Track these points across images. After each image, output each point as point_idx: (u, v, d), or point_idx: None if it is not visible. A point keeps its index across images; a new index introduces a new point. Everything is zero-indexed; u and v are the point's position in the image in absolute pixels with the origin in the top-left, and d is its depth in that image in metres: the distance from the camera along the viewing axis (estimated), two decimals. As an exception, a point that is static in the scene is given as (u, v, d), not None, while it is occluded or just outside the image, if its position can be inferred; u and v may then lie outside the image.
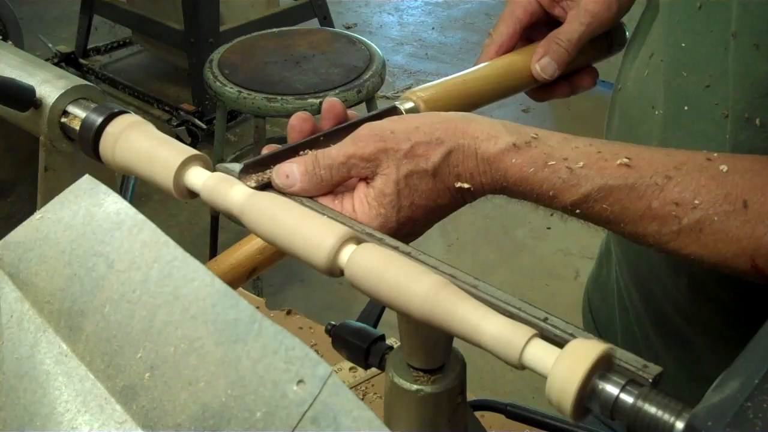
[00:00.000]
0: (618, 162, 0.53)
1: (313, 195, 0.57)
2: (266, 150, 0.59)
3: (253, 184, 0.55)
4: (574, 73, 0.79)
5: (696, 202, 0.51)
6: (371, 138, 0.56)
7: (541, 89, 0.77)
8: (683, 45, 0.64)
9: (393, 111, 0.64)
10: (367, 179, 0.57)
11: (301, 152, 0.58)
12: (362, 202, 0.56)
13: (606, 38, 0.79)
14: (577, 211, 0.54)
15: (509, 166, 0.54)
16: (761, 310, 0.65)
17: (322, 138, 0.60)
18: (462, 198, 0.57)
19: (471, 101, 0.70)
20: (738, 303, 0.68)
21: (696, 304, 0.71)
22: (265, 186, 0.57)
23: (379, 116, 0.61)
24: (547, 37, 0.74)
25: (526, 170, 0.54)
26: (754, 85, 0.57)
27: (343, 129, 0.61)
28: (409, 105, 0.65)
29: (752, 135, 0.59)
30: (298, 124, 0.60)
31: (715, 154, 0.54)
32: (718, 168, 0.52)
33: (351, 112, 0.63)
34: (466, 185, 0.56)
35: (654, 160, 0.54)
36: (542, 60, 0.73)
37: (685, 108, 0.65)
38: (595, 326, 0.95)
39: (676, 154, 0.54)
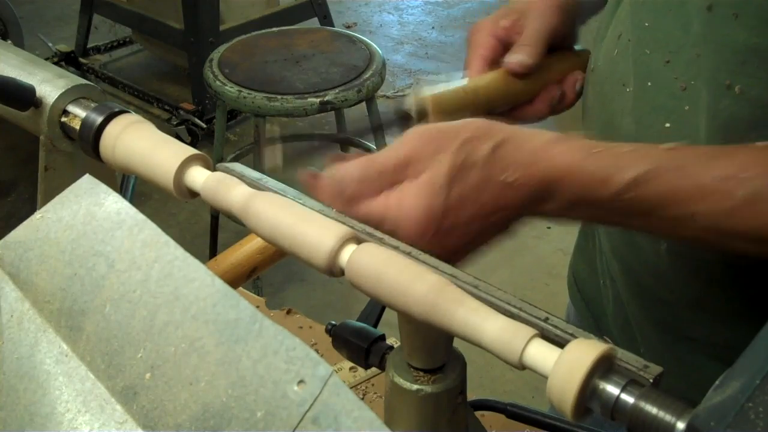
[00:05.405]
0: (663, 147, 0.55)
1: (364, 200, 0.56)
2: None
3: None
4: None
5: (746, 175, 0.52)
6: (420, 139, 0.56)
7: (516, 109, 0.77)
8: (647, 24, 0.68)
9: (406, 117, 0.65)
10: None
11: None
12: (410, 194, 0.55)
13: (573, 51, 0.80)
14: (626, 196, 0.54)
15: (556, 154, 0.55)
16: (740, 268, 0.68)
17: None
18: (504, 199, 0.56)
19: (473, 102, 0.71)
20: (719, 264, 0.69)
21: (676, 269, 0.72)
22: None
23: (390, 124, 0.62)
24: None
25: (575, 155, 0.55)
26: (734, 53, 0.59)
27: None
28: (417, 105, 0.66)
29: (731, 102, 0.60)
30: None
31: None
32: (756, 145, 0.54)
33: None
34: (511, 178, 0.56)
35: (697, 145, 0.55)
36: (512, 56, 0.75)
37: (649, 84, 0.67)
38: (582, 298, 0.95)
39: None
